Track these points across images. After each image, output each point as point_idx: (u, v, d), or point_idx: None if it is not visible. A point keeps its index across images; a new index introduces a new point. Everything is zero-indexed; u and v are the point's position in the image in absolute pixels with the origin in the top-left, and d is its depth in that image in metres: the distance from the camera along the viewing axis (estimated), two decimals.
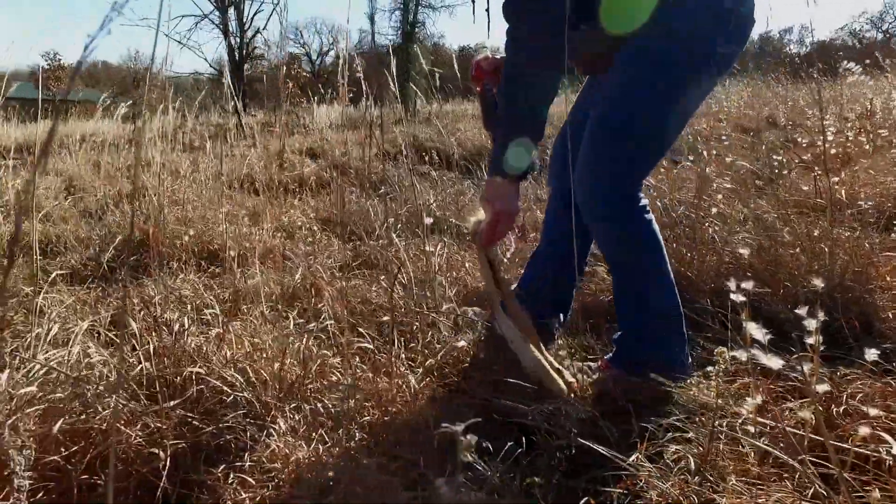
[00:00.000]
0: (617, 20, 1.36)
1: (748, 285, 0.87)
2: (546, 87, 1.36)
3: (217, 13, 18.76)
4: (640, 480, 1.02)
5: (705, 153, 2.14)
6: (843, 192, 1.88)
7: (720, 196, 1.93)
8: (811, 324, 0.78)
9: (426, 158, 4.84)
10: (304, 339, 1.25)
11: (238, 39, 19.05)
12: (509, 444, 1.07)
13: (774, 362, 0.81)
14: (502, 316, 1.42)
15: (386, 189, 3.72)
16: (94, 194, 3.92)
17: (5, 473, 0.98)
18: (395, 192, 3.56)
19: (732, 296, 0.88)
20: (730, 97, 7.28)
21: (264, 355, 1.27)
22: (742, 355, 0.83)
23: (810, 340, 0.78)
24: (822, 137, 2.14)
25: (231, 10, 18.73)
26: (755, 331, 0.84)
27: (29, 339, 1.56)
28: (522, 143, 1.36)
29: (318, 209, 3.42)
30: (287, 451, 1.02)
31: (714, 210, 1.88)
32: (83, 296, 2.11)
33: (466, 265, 2.16)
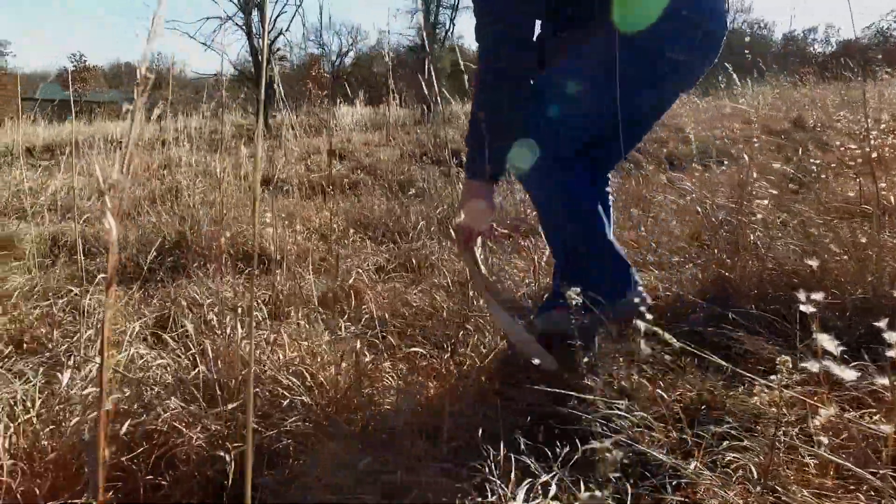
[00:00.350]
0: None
1: (818, 296, 0.87)
2: (527, 90, 1.39)
3: (241, 15, 18.97)
4: (700, 489, 1.02)
5: (746, 156, 2.11)
6: (891, 197, 1.85)
7: (766, 201, 1.91)
8: (892, 337, 0.77)
9: (453, 160, 4.84)
10: (358, 344, 1.26)
11: (261, 41, 19.26)
12: (565, 448, 1.07)
13: (849, 374, 0.80)
14: (491, 299, 1.46)
15: (416, 191, 3.73)
16: (128, 195, 3.97)
17: (77, 471, 1.00)
18: (426, 194, 3.57)
19: (802, 307, 0.87)
20: (757, 98, 7.20)
21: (318, 360, 1.29)
22: (813, 366, 0.83)
23: (890, 353, 0.77)
24: (860, 141, 2.11)
25: (254, 12, 18.92)
26: (827, 342, 0.83)
27: (80, 340, 1.59)
28: (503, 147, 1.40)
29: (349, 211, 3.44)
30: (350, 456, 1.03)
31: (759, 216, 1.87)
32: (126, 297, 2.15)
33: (506, 268, 2.16)
